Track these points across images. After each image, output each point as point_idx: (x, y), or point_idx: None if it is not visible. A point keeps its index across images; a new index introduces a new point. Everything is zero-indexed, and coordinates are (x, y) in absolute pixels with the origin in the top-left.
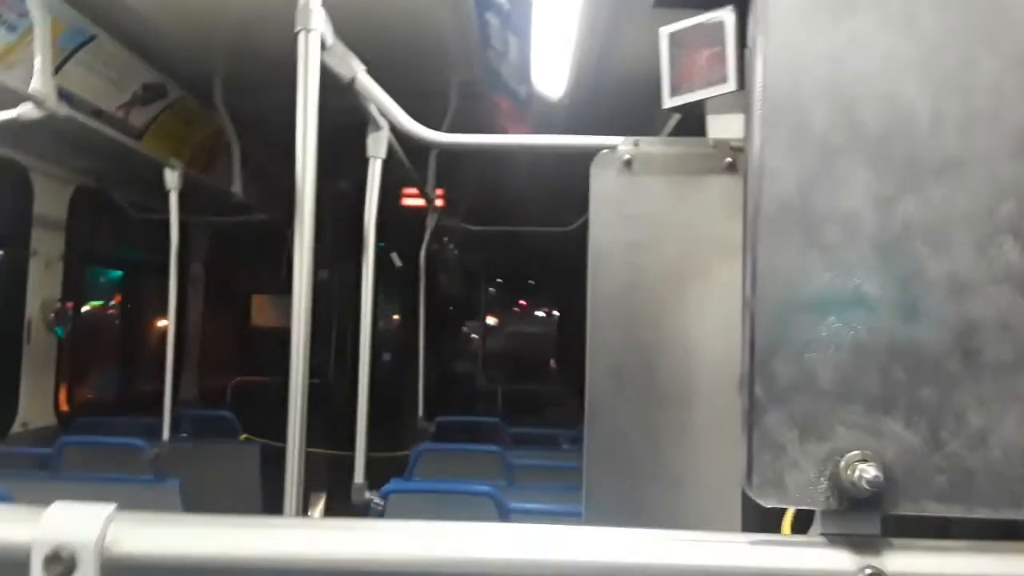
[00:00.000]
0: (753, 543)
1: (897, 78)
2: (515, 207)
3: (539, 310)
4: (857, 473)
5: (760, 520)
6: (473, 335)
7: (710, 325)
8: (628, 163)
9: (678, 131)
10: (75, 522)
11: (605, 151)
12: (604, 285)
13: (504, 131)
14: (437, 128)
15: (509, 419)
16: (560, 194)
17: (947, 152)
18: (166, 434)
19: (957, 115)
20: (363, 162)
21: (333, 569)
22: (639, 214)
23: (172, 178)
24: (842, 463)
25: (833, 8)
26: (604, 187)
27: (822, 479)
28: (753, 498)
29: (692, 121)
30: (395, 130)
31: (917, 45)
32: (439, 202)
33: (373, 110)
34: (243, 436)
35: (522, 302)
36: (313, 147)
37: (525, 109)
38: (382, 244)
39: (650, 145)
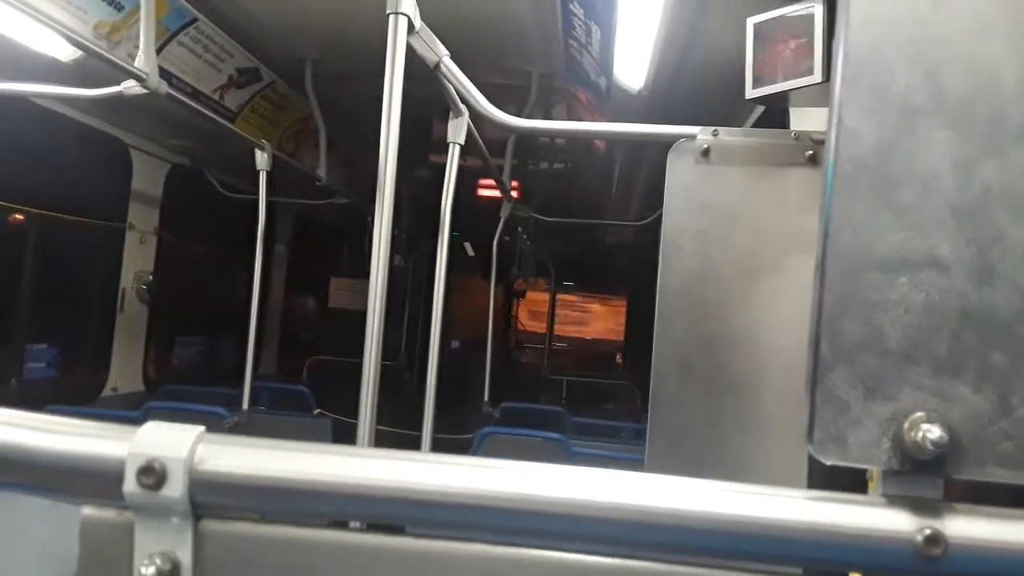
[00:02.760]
0: (812, 499)
1: (982, 41)
2: (590, 200)
3: (608, 303)
4: (921, 434)
5: None
6: (541, 325)
7: (781, 319)
8: (706, 152)
9: (760, 124)
10: (167, 439)
11: (683, 140)
12: (675, 274)
13: (583, 119)
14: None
15: (573, 409)
16: (634, 188)
17: None
18: (245, 404)
19: None
20: (440, 153)
21: (417, 498)
22: (714, 204)
23: (262, 159)
24: (906, 424)
25: None
26: (680, 176)
27: (885, 439)
28: (814, 454)
29: (775, 115)
30: (475, 118)
31: (1003, 7)
32: (514, 192)
33: (455, 96)
34: (317, 411)
35: (591, 295)
36: (396, 129)
37: (603, 101)
38: (457, 233)
39: (729, 135)
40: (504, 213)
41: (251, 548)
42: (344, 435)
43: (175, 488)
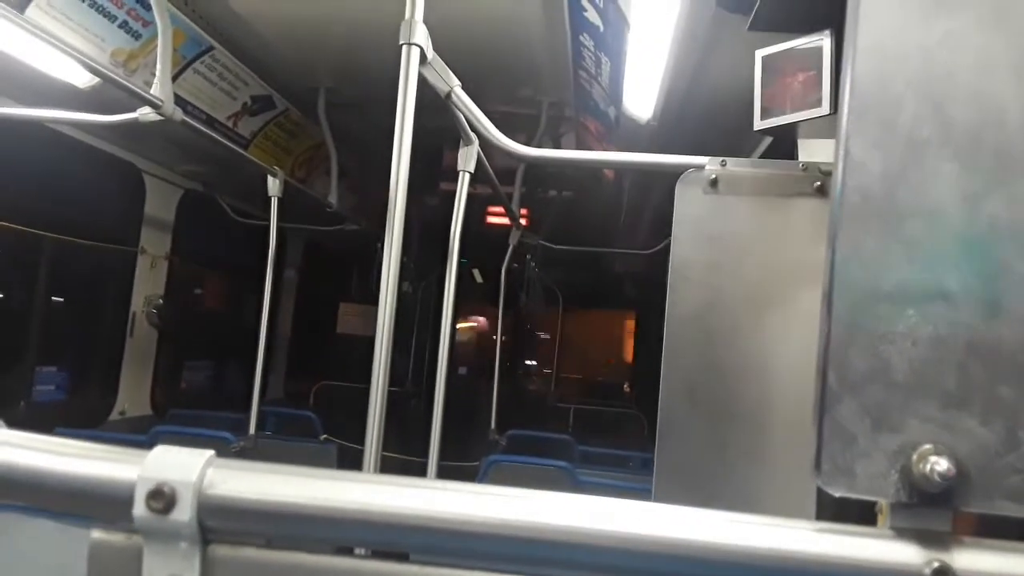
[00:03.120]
0: (820, 531)
1: (988, 76)
2: (598, 229)
3: (617, 331)
4: (929, 466)
5: None
6: (547, 353)
7: (789, 350)
8: (714, 182)
9: (768, 155)
10: (176, 463)
11: (691, 170)
12: (683, 304)
13: (592, 148)
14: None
15: (580, 438)
16: (642, 217)
17: None
18: (252, 429)
19: None
20: (449, 181)
21: (424, 524)
22: (723, 234)
23: (274, 186)
24: (914, 456)
25: (926, 6)
26: (688, 206)
27: (893, 471)
28: (821, 487)
29: (783, 146)
30: (484, 146)
31: (1009, 43)
32: (523, 220)
33: (465, 124)
34: (323, 436)
35: (599, 322)
36: (407, 158)
37: (612, 131)
38: (465, 260)
39: (737, 165)
40: (513, 240)
41: (258, 574)
42: (350, 461)
43: (184, 512)
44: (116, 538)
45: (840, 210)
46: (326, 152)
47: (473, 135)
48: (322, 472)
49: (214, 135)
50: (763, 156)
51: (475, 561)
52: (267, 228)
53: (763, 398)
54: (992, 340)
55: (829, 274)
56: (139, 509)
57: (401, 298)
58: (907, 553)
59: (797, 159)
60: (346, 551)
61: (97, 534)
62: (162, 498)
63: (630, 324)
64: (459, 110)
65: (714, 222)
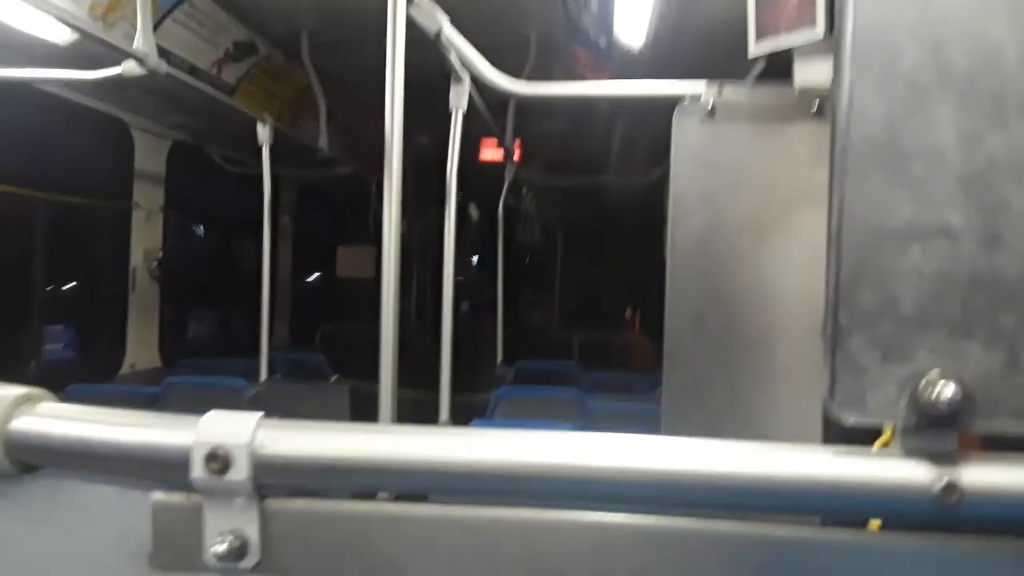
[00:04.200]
0: (836, 454)
1: (984, 18)
2: (593, 159)
3: (616, 260)
4: (936, 392)
5: None
6: (549, 285)
7: (790, 272)
8: (711, 111)
9: (764, 76)
10: (229, 427)
11: (688, 101)
12: (685, 233)
13: (583, 78)
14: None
15: (586, 366)
16: (638, 145)
17: None
18: (263, 374)
19: None
20: (439, 118)
21: (472, 471)
22: (721, 162)
23: (264, 132)
24: (922, 383)
25: None
26: (686, 136)
27: (902, 397)
28: (835, 416)
29: (779, 66)
30: (476, 82)
31: None
32: (516, 154)
33: (455, 62)
34: (334, 377)
35: (598, 252)
36: (401, 99)
37: (604, 60)
38: (460, 196)
39: (734, 93)
40: (508, 176)
41: (311, 522)
42: (361, 399)
43: (240, 472)
44: (176, 499)
45: (845, 155)
46: (313, 95)
47: (464, 72)
48: (360, 426)
49: (200, 85)
50: (760, 77)
51: (516, 499)
52: (259, 175)
53: (766, 320)
54: (993, 272)
55: (837, 216)
56: (197, 472)
57: (400, 238)
58: (918, 471)
59: (792, 78)
60: (392, 497)
61: (159, 495)
62: (218, 460)
63: (629, 251)
64: (449, 48)
65: (712, 151)
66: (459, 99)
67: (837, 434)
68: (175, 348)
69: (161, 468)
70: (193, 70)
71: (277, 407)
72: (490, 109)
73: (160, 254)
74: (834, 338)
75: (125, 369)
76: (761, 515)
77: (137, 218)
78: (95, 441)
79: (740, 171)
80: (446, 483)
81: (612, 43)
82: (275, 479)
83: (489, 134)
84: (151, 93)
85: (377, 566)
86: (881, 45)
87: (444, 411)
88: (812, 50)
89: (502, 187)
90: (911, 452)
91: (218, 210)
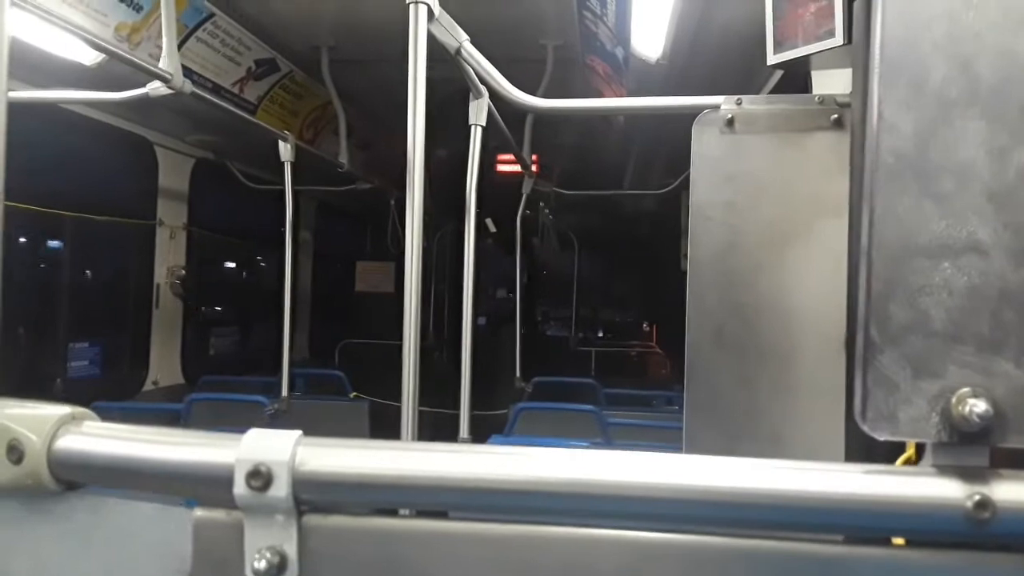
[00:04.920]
0: (867, 472)
1: (1012, 33)
2: (610, 171)
3: (633, 273)
4: (968, 408)
5: None
6: (567, 299)
7: (811, 284)
8: (730, 122)
9: (780, 88)
10: (270, 445)
11: (707, 110)
12: (705, 245)
13: (599, 95)
14: (532, 94)
15: (603, 381)
16: (655, 157)
17: None
18: (284, 391)
19: None
20: (455, 132)
21: (513, 488)
22: (741, 173)
23: (286, 150)
24: (953, 399)
25: None
26: (705, 147)
27: (933, 414)
28: (868, 432)
29: (795, 78)
30: (494, 97)
31: None
32: (534, 168)
33: (474, 78)
34: (353, 394)
35: (615, 265)
36: (422, 116)
37: (621, 72)
38: (478, 210)
39: (753, 103)
40: (526, 189)
41: (350, 538)
42: (379, 415)
43: (280, 488)
44: (218, 515)
45: (875, 171)
46: (333, 112)
47: (483, 88)
48: (400, 444)
49: (223, 103)
50: (775, 89)
51: (548, 516)
52: (280, 192)
53: (787, 333)
54: (1022, 287)
55: (868, 232)
56: (239, 488)
57: (421, 254)
58: (950, 488)
59: (810, 91)
60: (426, 514)
61: (200, 512)
62: (260, 477)
63: (647, 264)
64: (468, 64)
65: (732, 161)
66: (478, 115)
67: (859, 449)
68: (197, 365)
69: (203, 485)
70: (216, 88)
71: (297, 424)
72: (507, 123)
73: (183, 271)
74: (865, 354)
75: (148, 386)
76: (787, 533)
77: (161, 236)
78: (138, 459)
79: (760, 182)
80: (485, 500)
81: (629, 55)
82: (315, 495)
83: (506, 148)
84: (175, 112)
85: None
86: (909, 61)
87: (464, 427)
88: (830, 59)
89: (519, 201)
90: (943, 469)
91: (240, 227)
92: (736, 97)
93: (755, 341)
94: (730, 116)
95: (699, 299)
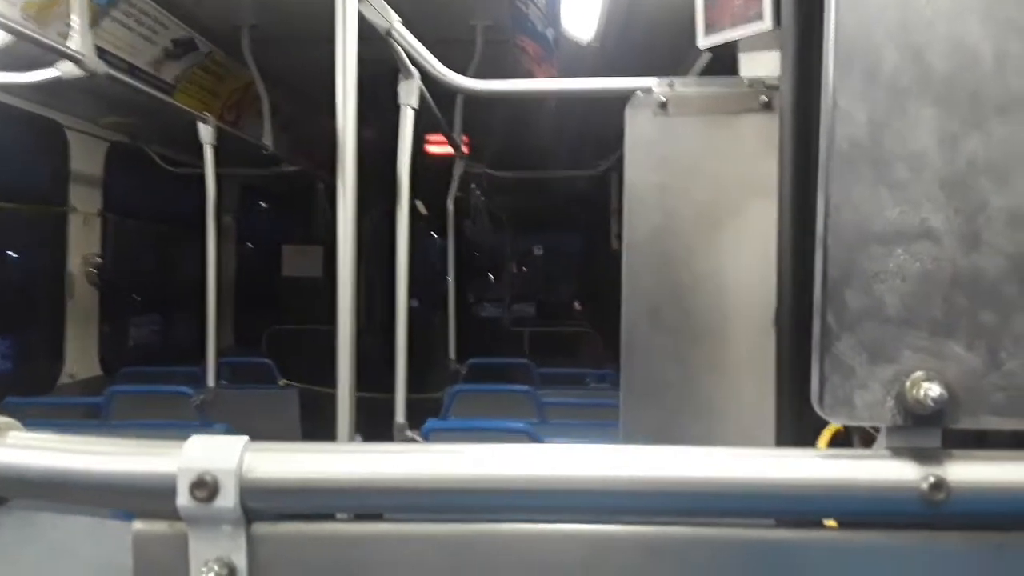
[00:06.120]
0: (824, 456)
1: (962, 22)
2: (541, 152)
3: (566, 254)
4: (922, 392)
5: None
6: (499, 279)
7: (742, 264)
8: (663, 105)
9: (710, 70)
10: (215, 451)
11: (640, 93)
12: (639, 227)
13: (530, 75)
14: (463, 75)
15: (537, 360)
16: (586, 138)
17: (1010, 91)
18: (211, 381)
19: (1019, 55)
20: (383, 113)
21: (466, 487)
22: (673, 155)
23: (206, 132)
24: (907, 383)
25: None
26: (639, 129)
27: (888, 398)
28: (824, 417)
29: (724, 60)
30: (424, 77)
31: None
32: (465, 149)
33: (405, 59)
34: (282, 382)
35: (547, 246)
36: (353, 98)
37: (552, 53)
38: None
39: (684, 86)
40: (457, 171)
41: (300, 546)
42: (310, 403)
43: (227, 498)
44: (159, 527)
45: (830, 158)
46: (255, 93)
47: (413, 69)
48: (352, 446)
49: (139, 85)
50: (705, 71)
51: (491, 515)
52: (201, 176)
53: (720, 312)
54: (973, 271)
55: (823, 218)
56: (183, 499)
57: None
58: (905, 470)
59: (738, 72)
60: (376, 517)
61: (140, 525)
62: (205, 487)
63: (579, 245)
64: (399, 45)
65: (665, 144)
66: (408, 96)
67: (789, 423)
68: (116, 356)
69: (142, 497)
70: (131, 69)
71: (225, 414)
72: (438, 104)
73: (99, 259)
74: (822, 341)
75: (64, 379)
76: (755, 519)
77: (74, 222)
78: (70, 471)
79: (692, 163)
80: (440, 501)
81: (560, 36)
82: (263, 503)
83: (436, 128)
84: (86, 93)
85: None
86: (862, 49)
87: (400, 413)
88: (757, 42)
89: (451, 183)
90: (898, 451)
91: (159, 212)
92: (668, 79)
93: (689, 320)
94: (663, 99)
95: (634, 279)
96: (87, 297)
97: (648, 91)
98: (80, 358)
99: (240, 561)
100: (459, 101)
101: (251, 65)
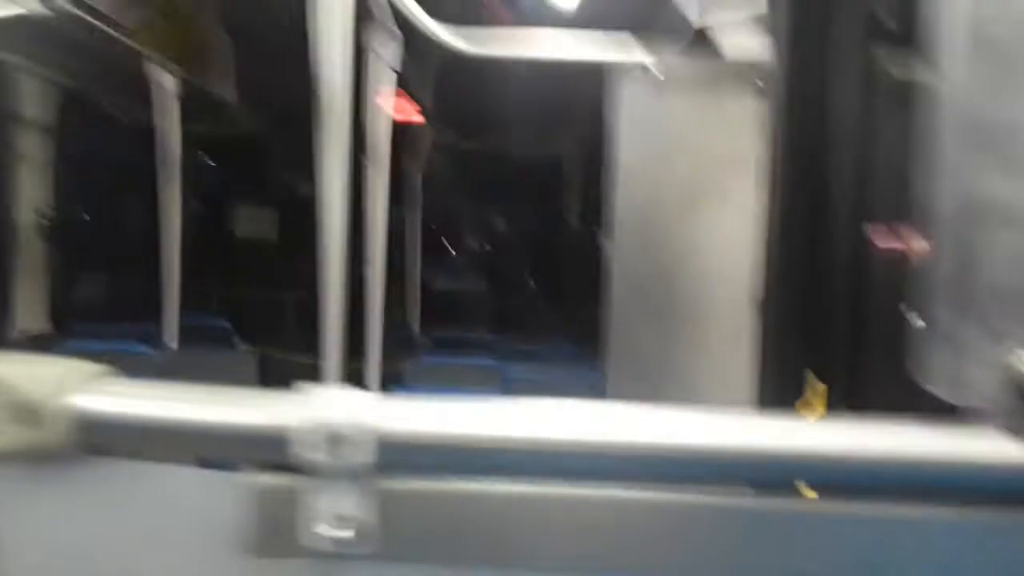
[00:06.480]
0: (935, 433)
1: None
2: (497, 123)
3: (517, 227)
4: None
5: None
6: (452, 251)
7: (725, 241)
8: (657, 81)
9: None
10: (346, 404)
11: (633, 68)
12: (628, 203)
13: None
14: None
15: (491, 332)
16: (543, 111)
17: None
18: (173, 342)
19: None
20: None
21: (606, 449)
22: (664, 133)
23: (168, 82)
24: (1016, 358)
25: None
26: (632, 106)
27: (996, 374)
28: (932, 391)
29: (702, 38)
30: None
31: None
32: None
33: (387, 12)
34: (244, 347)
35: (500, 220)
36: (341, 49)
37: (517, 11)
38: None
39: (676, 63)
40: (419, 136)
41: (428, 503)
42: (270, 367)
43: (358, 452)
44: (279, 481)
45: (939, 132)
46: (216, 43)
47: (397, 30)
48: (485, 403)
49: (96, 24)
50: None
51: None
52: (156, 127)
53: (703, 288)
54: None
55: (935, 195)
56: (311, 452)
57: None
58: (1012, 448)
59: (717, 51)
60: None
61: (256, 479)
62: (334, 440)
63: (531, 219)
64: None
65: (655, 120)
66: (393, 58)
67: (769, 396)
68: (67, 311)
69: (262, 449)
70: (90, 11)
71: (182, 376)
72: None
73: (50, 210)
74: (931, 317)
75: (14, 335)
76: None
77: (23, 171)
78: (179, 421)
79: (680, 140)
80: (580, 462)
81: None
82: (394, 459)
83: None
84: (42, 38)
85: (500, 546)
86: (970, 21)
87: (374, 382)
88: (744, 24)
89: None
90: (1008, 428)
91: (114, 164)
92: (661, 56)
93: (673, 295)
94: (657, 75)
95: (622, 255)
96: (37, 251)
97: (640, 65)
98: (30, 313)
99: (368, 517)
100: (432, 68)
101: (211, 15)
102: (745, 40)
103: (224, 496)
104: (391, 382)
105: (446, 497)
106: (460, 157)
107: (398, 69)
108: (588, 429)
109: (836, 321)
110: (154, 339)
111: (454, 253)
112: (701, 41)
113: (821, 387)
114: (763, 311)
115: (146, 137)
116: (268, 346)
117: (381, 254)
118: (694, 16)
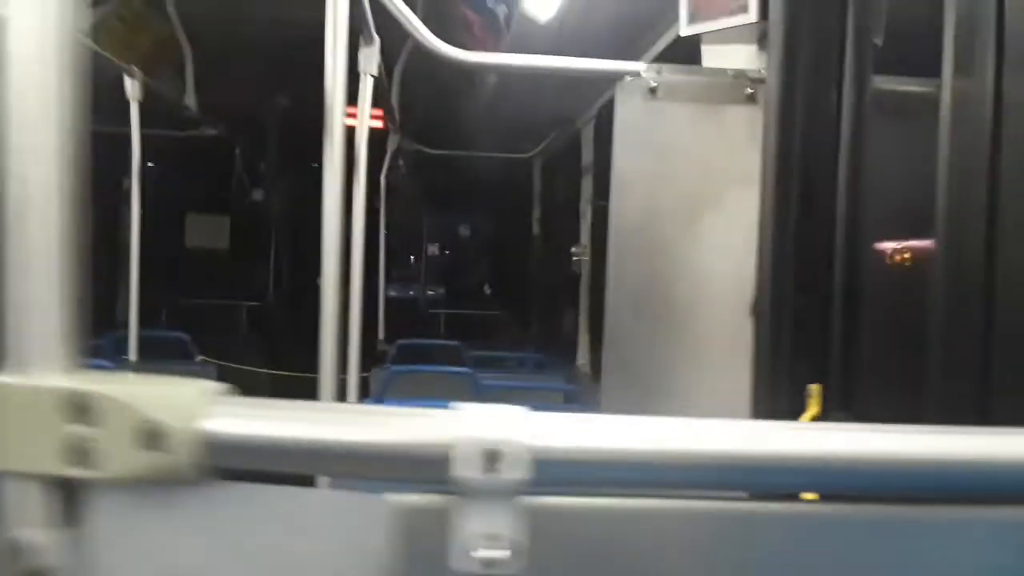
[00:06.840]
0: (930, 436)
1: None
2: (467, 133)
3: (486, 237)
4: None
5: None
6: (416, 260)
7: (723, 253)
8: (653, 91)
9: (665, 57)
10: (498, 420)
11: (630, 78)
12: (626, 212)
13: (472, 49)
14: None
15: (465, 343)
16: (517, 122)
17: None
18: (133, 354)
19: None
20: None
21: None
22: (661, 142)
23: (133, 88)
24: None
25: None
26: (629, 115)
27: None
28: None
29: (684, 47)
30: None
31: None
32: (379, 123)
33: (370, 22)
34: (200, 358)
35: (464, 228)
36: (343, 58)
37: (499, 31)
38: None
39: (673, 73)
40: (391, 146)
41: (580, 521)
42: (229, 380)
43: (512, 469)
44: (423, 500)
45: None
46: (174, 48)
47: (376, 36)
48: (633, 419)
49: None
50: (659, 58)
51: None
52: (116, 136)
53: (700, 300)
54: None
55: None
56: (463, 470)
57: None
58: None
59: (699, 62)
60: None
61: (410, 498)
62: (489, 457)
63: (500, 229)
64: (368, 7)
65: (653, 131)
66: (368, 63)
67: (765, 408)
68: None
69: (419, 468)
70: None
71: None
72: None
73: None
74: None
75: None
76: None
77: None
78: (319, 441)
79: (679, 151)
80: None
81: (514, 14)
82: (546, 475)
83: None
84: None
85: (654, 565)
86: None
87: (327, 391)
88: (734, 35)
89: (383, 157)
90: None
91: None
92: (656, 65)
93: (670, 307)
94: (653, 85)
95: (620, 265)
96: None
97: (637, 76)
98: None
99: (520, 536)
100: (397, 73)
101: (174, 18)
102: (739, 50)
103: (367, 518)
104: (361, 392)
105: (597, 514)
106: (421, 167)
107: (375, 74)
108: (742, 443)
109: (834, 332)
110: (104, 352)
111: (415, 260)
112: (696, 51)
113: (818, 397)
114: (760, 322)
115: (103, 144)
116: (225, 357)
117: (359, 264)
118: (684, 24)
